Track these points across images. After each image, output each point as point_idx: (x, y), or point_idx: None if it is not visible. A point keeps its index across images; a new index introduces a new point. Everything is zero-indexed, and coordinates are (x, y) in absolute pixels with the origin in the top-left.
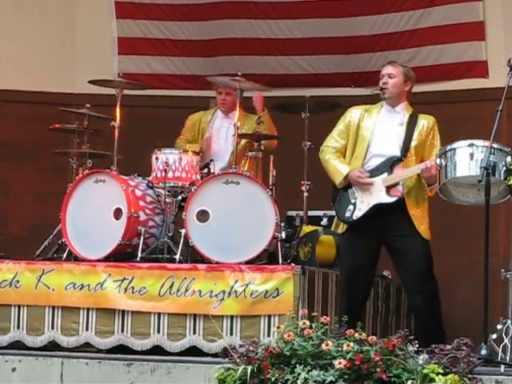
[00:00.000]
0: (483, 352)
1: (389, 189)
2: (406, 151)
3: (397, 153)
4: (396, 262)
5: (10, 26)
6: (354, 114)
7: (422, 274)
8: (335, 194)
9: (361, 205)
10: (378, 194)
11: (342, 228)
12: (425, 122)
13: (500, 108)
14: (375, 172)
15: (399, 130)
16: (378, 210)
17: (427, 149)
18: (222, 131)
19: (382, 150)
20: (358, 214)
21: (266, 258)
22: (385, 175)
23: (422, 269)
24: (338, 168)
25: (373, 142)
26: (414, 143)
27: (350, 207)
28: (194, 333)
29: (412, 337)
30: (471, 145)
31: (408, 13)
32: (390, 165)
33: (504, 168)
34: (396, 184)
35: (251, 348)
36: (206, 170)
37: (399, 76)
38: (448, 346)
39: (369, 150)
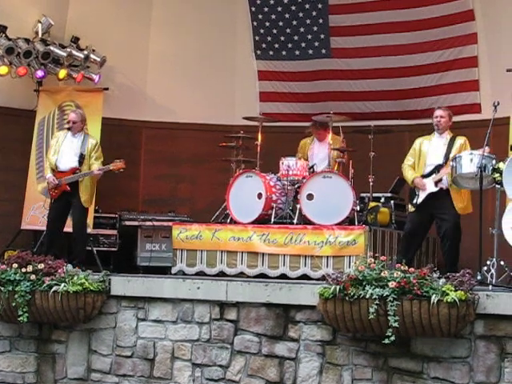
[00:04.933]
0: (478, 277)
1: (436, 183)
2: (447, 160)
3: (440, 161)
4: (437, 226)
5: (195, 81)
6: (416, 142)
7: (450, 235)
8: (410, 191)
9: (422, 195)
10: (430, 187)
11: (411, 208)
12: (459, 140)
13: (488, 131)
14: (429, 174)
15: (443, 148)
16: (430, 196)
17: None
18: (320, 150)
19: (433, 160)
20: (419, 200)
21: (348, 222)
22: (434, 175)
23: (450, 232)
24: (408, 176)
25: (427, 157)
26: (451, 155)
27: (416, 196)
28: (305, 266)
29: (436, 268)
30: (471, 153)
31: (434, 75)
32: (437, 169)
33: (491, 167)
34: (440, 179)
35: (339, 275)
36: (311, 170)
37: (447, 117)
38: (457, 274)
39: (426, 162)
